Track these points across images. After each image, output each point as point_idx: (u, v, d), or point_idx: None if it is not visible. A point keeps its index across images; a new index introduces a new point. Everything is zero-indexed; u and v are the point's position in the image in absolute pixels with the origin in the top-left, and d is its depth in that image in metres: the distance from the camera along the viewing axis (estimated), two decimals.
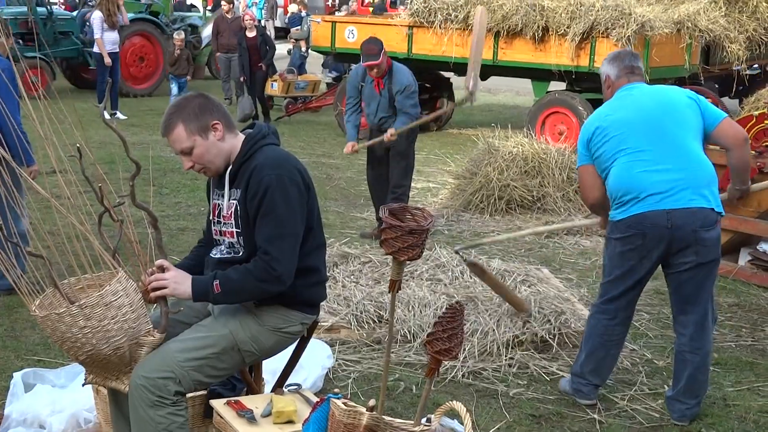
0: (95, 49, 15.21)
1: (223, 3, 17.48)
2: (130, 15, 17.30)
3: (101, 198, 3.39)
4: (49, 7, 17.80)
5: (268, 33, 16.18)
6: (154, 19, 18.47)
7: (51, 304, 3.27)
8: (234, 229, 3.53)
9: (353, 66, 10.58)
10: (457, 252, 5.92)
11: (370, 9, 25.74)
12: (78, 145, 3.37)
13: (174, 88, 15.68)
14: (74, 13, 18.90)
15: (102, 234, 3.39)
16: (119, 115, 14.98)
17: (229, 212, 3.53)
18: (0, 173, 3.34)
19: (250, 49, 15.24)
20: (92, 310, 3.10)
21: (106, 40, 14.98)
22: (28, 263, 3.35)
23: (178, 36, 16.01)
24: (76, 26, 17.96)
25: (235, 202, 3.51)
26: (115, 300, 3.13)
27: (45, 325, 3.19)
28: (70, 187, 3.49)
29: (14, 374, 4.65)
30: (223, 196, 3.57)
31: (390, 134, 7.93)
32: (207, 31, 19.38)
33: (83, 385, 3.49)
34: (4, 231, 3.28)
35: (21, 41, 16.40)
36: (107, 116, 14.53)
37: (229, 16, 16.73)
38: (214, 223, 3.65)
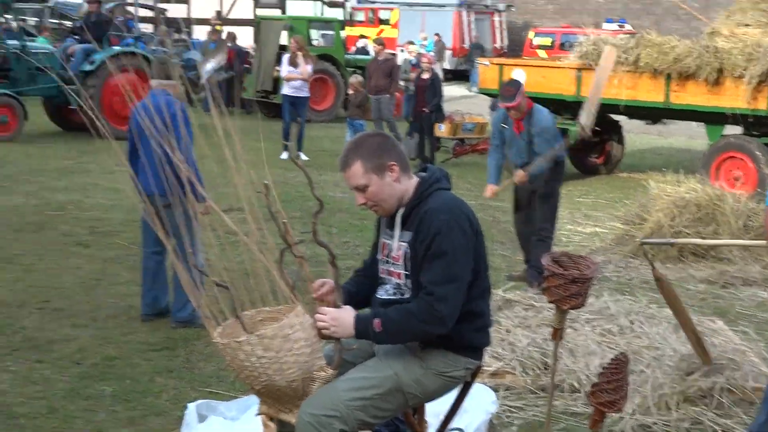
0: (202, 81, 15.49)
1: (373, 45, 17.75)
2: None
3: (284, 234, 3.54)
4: (23, 40, 16.74)
5: (438, 75, 16.32)
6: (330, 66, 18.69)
7: (231, 333, 3.44)
8: (402, 271, 3.61)
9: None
10: (642, 244, 5.75)
11: (537, 51, 25.72)
12: (266, 182, 3.54)
13: (349, 133, 15.85)
14: (54, 48, 18.15)
15: (282, 269, 3.53)
16: (302, 156, 15.34)
17: (399, 254, 3.60)
18: (183, 208, 3.53)
19: (419, 90, 15.50)
20: (270, 342, 3.24)
21: (290, 85, 15.42)
22: (210, 294, 3.53)
23: (355, 79, 16.21)
24: (56, 61, 16.74)
25: (404, 244, 3.57)
26: (292, 333, 3.26)
27: (225, 352, 3.35)
28: (246, 223, 3.67)
29: (188, 405, 4.86)
30: (393, 236, 3.64)
31: (519, 176, 7.92)
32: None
33: (256, 415, 3.64)
34: (190, 261, 3.48)
35: None
36: (285, 156, 15.08)
37: (380, 57, 16.90)
38: (381, 261, 3.72)
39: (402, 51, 20.35)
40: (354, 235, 9.83)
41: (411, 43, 21.05)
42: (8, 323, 6.65)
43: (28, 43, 16.92)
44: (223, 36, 24.94)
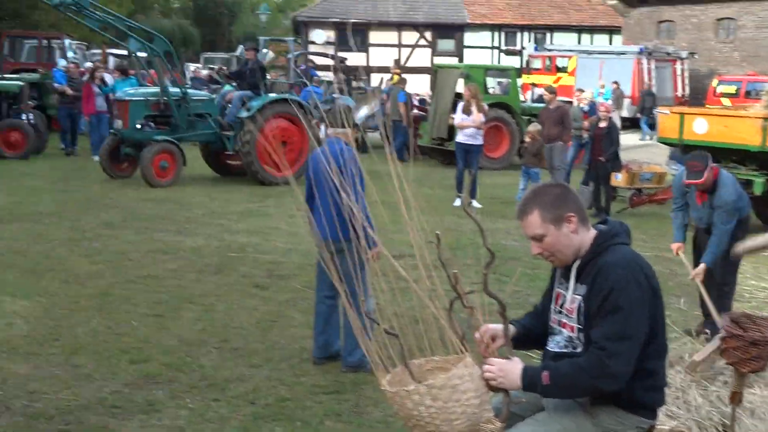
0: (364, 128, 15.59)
1: (544, 93, 17.58)
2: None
3: (455, 284, 3.55)
4: (183, 88, 17.43)
5: (615, 124, 16.01)
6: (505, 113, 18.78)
7: (400, 381, 3.46)
8: (575, 324, 3.54)
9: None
10: None
11: (721, 99, 24.89)
12: (438, 232, 3.56)
13: (523, 181, 15.76)
14: (213, 95, 18.62)
15: (452, 318, 3.53)
16: (475, 203, 15.36)
17: (572, 306, 3.54)
18: (356, 254, 3.59)
19: (596, 138, 15.27)
20: (439, 392, 3.24)
21: (464, 132, 15.51)
22: (380, 340, 3.57)
23: (534, 128, 16.07)
24: (215, 108, 17.45)
25: (579, 297, 3.52)
26: (461, 384, 3.25)
27: (393, 401, 3.37)
28: (417, 270, 3.69)
29: None
30: (567, 288, 3.60)
31: (695, 274, 7.69)
32: None
33: None
34: (361, 307, 3.53)
35: (153, 124, 16.68)
36: (458, 203, 15.14)
37: (552, 106, 16.67)
38: (554, 311, 3.68)
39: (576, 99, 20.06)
40: (525, 285, 9.73)
41: (581, 90, 20.76)
42: (188, 361, 6.93)
43: (189, 91, 17.53)
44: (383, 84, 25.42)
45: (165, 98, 16.68)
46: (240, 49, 40.71)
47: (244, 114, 16.89)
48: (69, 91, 21.01)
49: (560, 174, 16.01)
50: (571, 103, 19.63)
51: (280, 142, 16.92)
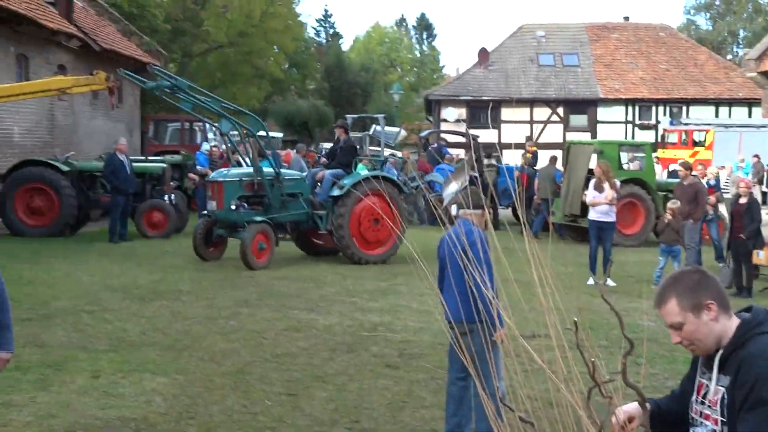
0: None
1: (679, 169, 17.16)
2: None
3: (593, 372, 3.48)
4: (276, 168, 17.00)
5: (756, 199, 15.52)
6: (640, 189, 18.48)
7: None
8: (718, 417, 3.41)
9: None
10: None
11: None
12: (576, 319, 3.52)
13: (663, 260, 15.39)
14: (304, 173, 18.33)
15: (590, 407, 3.46)
16: (609, 282, 15.09)
17: (716, 398, 3.42)
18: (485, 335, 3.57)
19: (735, 215, 14.82)
20: None
21: (597, 209, 15.32)
22: (513, 424, 3.52)
23: (674, 204, 15.64)
24: (306, 187, 17.24)
25: (722, 389, 3.39)
26: None
27: None
28: (550, 350, 3.64)
29: None
30: (710, 378, 3.47)
31: None
32: None
33: None
34: (494, 390, 3.49)
35: (246, 205, 16.55)
36: (591, 281, 14.89)
37: (686, 182, 16.21)
38: (696, 402, 3.55)
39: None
40: (663, 367, 9.44)
41: (703, 165, 20.19)
42: None
43: (282, 170, 17.27)
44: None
45: (259, 178, 16.58)
46: (373, 128, 41.53)
47: (336, 192, 16.85)
48: (210, 173, 21.70)
49: (691, 253, 15.55)
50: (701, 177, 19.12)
51: (372, 220, 16.96)
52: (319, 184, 17.42)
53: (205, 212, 17.11)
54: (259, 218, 16.20)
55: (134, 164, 20.51)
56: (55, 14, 26.74)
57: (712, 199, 17.00)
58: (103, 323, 11.10)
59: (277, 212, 16.70)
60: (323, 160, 18.29)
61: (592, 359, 3.47)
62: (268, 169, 16.69)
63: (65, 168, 20.25)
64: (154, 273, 15.18)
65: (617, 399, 3.56)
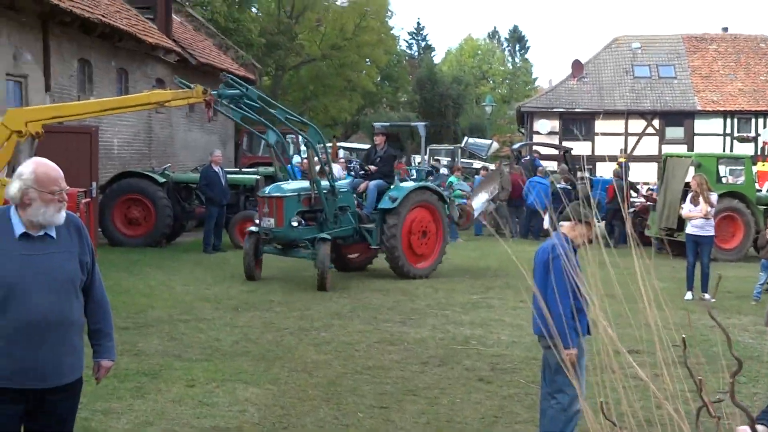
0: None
1: None
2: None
3: (700, 391, 3.38)
4: (332, 180, 15.93)
5: None
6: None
7: None
8: None
9: None
10: None
11: None
12: (684, 336, 3.42)
13: (764, 276, 14.95)
14: (345, 182, 16.87)
15: (699, 427, 3.35)
16: (707, 297, 14.73)
17: None
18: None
19: None
20: None
21: (693, 224, 14.96)
22: None
23: None
24: (352, 200, 16.27)
25: None
26: None
27: None
28: (644, 368, 3.54)
29: None
30: None
31: None
32: None
33: None
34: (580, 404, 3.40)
35: (303, 221, 15.53)
36: (689, 296, 14.56)
37: None
38: None
39: None
40: (766, 387, 9.13)
41: None
42: None
43: (337, 183, 16.24)
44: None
45: (316, 192, 15.59)
46: (465, 140, 41.44)
47: (388, 205, 16.22)
48: None
49: None
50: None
51: (421, 233, 16.64)
52: (364, 194, 16.61)
53: (253, 229, 15.87)
54: (325, 235, 15.29)
55: (228, 176, 20.81)
56: (154, 29, 27.37)
57: None
58: (196, 332, 11.26)
59: (333, 227, 15.84)
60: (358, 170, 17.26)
61: (699, 377, 3.36)
62: (324, 183, 15.80)
63: (162, 179, 20.67)
64: (246, 283, 15.36)
65: (732, 420, 3.44)
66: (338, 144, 20.06)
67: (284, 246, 15.90)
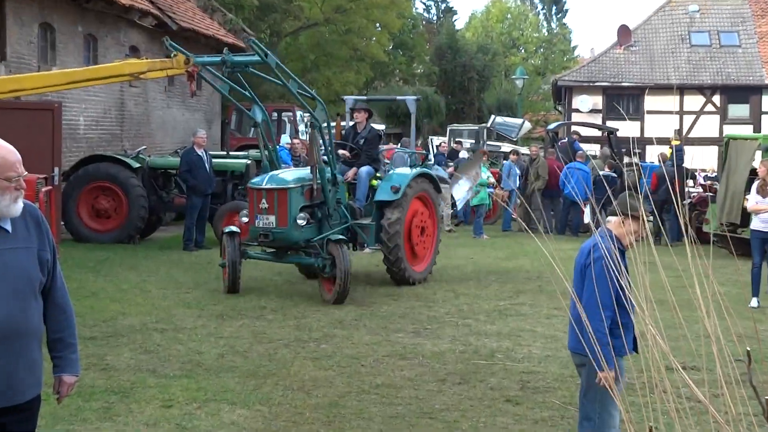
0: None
1: None
2: None
3: (766, 413, 3.37)
4: (333, 167, 15.39)
5: None
6: None
7: None
8: None
9: None
10: None
11: None
12: (749, 349, 3.41)
13: None
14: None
15: None
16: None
17: None
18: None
19: None
20: None
21: (761, 218, 14.87)
22: None
23: None
24: (344, 191, 15.92)
25: None
26: None
27: None
28: (703, 387, 3.52)
29: None
30: None
31: None
32: None
33: None
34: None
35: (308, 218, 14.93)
36: (755, 303, 14.52)
37: None
38: None
39: None
40: None
41: None
42: None
43: (338, 174, 15.65)
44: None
45: (319, 182, 14.97)
46: (492, 119, 41.40)
47: (389, 196, 15.69)
48: None
49: None
50: None
51: (420, 229, 16.34)
52: (356, 181, 16.10)
53: (235, 229, 15.39)
54: (340, 236, 14.79)
55: (214, 160, 20.79)
56: None
57: None
58: (175, 344, 11.27)
59: (333, 225, 15.27)
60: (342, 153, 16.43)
61: (766, 397, 3.36)
62: (328, 170, 15.19)
63: (135, 164, 20.70)
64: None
65: None
66: (342, 123, 19.83)
67: (279, 249, 15.38)
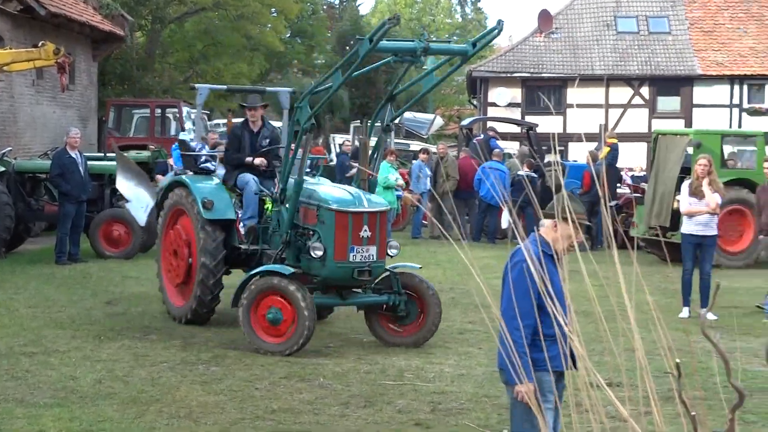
0: None
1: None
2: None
3: (695, 430, 3.46)
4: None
5: None
6: None
7: None
8: None
9: None
10: None
11: None
12: (678, 360, 3.49)
13: None
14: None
15: None
16: (709, 315, 14.96)
17: None
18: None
19: None
20: None
21: (693, 221, 15.14)
22: None
23: None
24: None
25: None
26: None
27: None
28: (633, 403, 3.61)
29: None
30: None
31: None
32: None
33: None
34: None
35: None
36: (685, 314, 14.79)
37: None
38: None
39: None
40: None
41: None
42: None
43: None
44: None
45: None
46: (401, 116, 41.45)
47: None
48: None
49: None
50: None
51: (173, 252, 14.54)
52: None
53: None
54: (413, 265, 13.83)
55: (89, 163, 20.55)
56: None
57: None
58: (46, 369, 11.14)
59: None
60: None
61: (693, 413, 3.45)
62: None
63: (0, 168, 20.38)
64: (114, 304, 15.23)
65: None
66: (234, 120, 19.70)
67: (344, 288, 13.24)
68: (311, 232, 12.84)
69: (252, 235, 13.80)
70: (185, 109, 32.91)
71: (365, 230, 12.69)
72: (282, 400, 10.12)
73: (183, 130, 31.28)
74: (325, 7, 74.36)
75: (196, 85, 17.01)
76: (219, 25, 48.86)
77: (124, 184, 19.46)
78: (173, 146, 23.89)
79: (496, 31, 13.06)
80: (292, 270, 12.48)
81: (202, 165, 15.00)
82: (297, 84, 53.70)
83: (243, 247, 13.85)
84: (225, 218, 13.79)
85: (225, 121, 36.73)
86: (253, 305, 12.34)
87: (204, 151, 15.44)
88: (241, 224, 14.00)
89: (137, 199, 19.95)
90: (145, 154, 24.38)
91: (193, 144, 15.73)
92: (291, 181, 13.26)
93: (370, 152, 14.08)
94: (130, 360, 11.69)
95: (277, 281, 12.38)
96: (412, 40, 12.74)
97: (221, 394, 10.31)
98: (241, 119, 15.78)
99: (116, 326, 13.62)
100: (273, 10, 52.96)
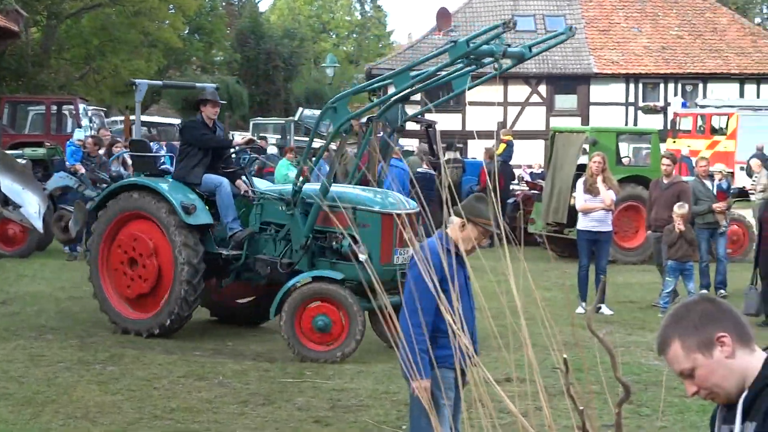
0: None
1: (663, 161, 17.09)
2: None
3: (583, 425, 3.49)
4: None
5: None
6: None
7: None
8: None
9: None
10: None
11: None
12: (566, 356, 3.53)
13: (672, 281, 15.25)
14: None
15: None
16: (604, 309, 15.15)
17: None
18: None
19: (764, 223, 15.02)
20: None
21: (589, 217, 15.32)
22: None
23: (682, 210, 15.19)
24: None
25: None
26: None
27: None
28: (524, 400, 3.65)
29: None
30: (732, 429, 3.51)
31: None
32: None
33: None
34: None
35: None
36: (581, 310, 14.99)
37: (665, 180, 16.22)
38: None
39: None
40: (673, 418, 9.54)
41: (704, 158, 19.71)
42: None
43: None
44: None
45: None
46: (300, 112, 41.46)
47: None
48: (82, 172, 20.23)
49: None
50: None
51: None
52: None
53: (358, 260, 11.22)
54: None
55: None
56: None
57: (720, 206, 16.89)
58: None
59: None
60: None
61: (581, 407, 3.48)
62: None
63: None
64: (8, 304, 15.02)
65: None
66: (132, 118, 19.51)
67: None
68: (339, 236, 12.32)
69: (242, 240, 13.02)
70: (81, 106, 32.47)
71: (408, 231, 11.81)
72: (180, 399, 10.06)
73: (79, 126, 30.84)
74: (224, 3, 73.91)
75: (136, 81, 16.77)
76: (116, 21, 48.30)
77: (10, 189, 18.86)
78: (67, 143, 23.57)
79: (564, 35, 13.42)
80: (342, 275, 12.12)
81: (161, 167, 14.54)
82: (196, 80, 53.32)
83: (224, 252, 13.10)
84: (206, 223, 13.15)
85: (122, 118, 36.39)
86: (297, 313, 11.96)
87: (162, 152, 15.17)
88: (228, 229, 13.20)
89: (29, 203, 19.29)
90: (41, 151, 23.99)
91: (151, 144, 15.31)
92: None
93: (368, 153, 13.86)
94: (25, 360, 11.52)
95: (332, 287, 12.01)
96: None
97: (118, 393, 10.22)
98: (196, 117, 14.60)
99: (11, 326, 13.41)
100: (171, 6, 52.56)
